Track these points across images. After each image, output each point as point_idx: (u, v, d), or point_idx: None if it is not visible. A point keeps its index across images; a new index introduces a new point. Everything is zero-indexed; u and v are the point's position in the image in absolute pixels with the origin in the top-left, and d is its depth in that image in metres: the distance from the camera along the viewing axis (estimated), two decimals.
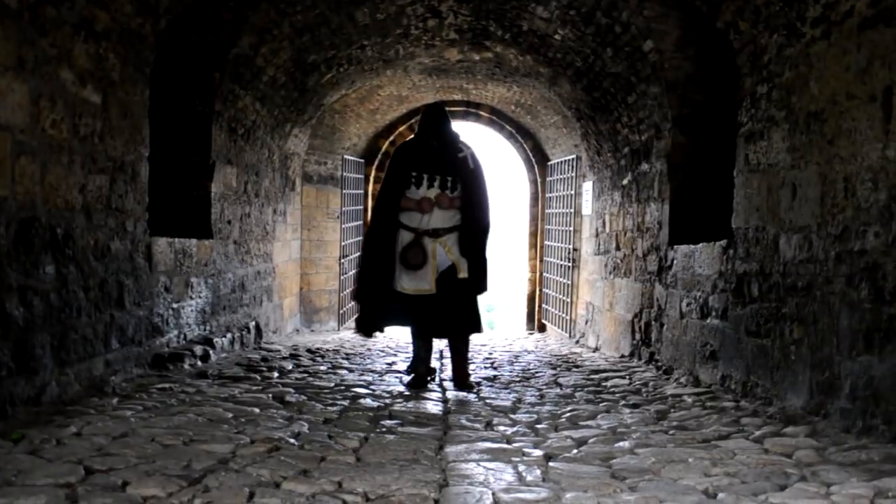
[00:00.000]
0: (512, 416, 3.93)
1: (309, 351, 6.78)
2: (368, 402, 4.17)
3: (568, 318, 9.53)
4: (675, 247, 5.55)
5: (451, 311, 4.75)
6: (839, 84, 3.41)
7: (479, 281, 4.82)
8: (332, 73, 7.73)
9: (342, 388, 4.65)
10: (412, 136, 5.26)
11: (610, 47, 5.97)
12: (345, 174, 10.42)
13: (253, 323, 6.80)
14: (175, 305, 5.15)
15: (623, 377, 5.55)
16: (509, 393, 4.81)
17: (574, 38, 6.30)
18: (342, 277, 10.48)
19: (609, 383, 5.28)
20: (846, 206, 3.33)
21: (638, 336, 6.41)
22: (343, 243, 10.37)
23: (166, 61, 5.34)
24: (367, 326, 4.90)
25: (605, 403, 4.36)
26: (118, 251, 4.20)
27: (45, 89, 3.39)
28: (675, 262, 5.55)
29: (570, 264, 9.53)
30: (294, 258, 9.10)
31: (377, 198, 5.01)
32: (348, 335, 9.05)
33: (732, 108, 4.87)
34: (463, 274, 4.73)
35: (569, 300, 9.51)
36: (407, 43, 7.42)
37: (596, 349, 7.81)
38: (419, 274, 4.70)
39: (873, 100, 3.14)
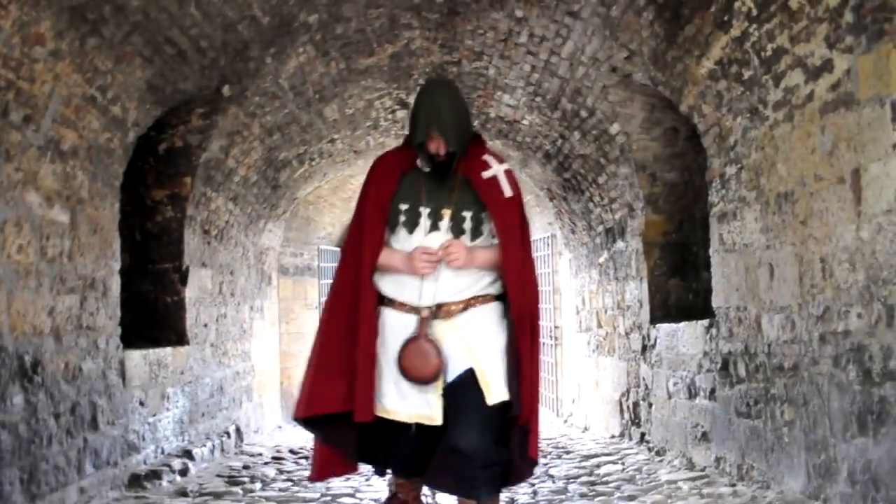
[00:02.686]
0: None
1: (292, 452, 6.58)
2: None
3: (554, 396, 9.41)
4: (658, 325, 5.52)
5: (467, 455, 2.70)
6: (806, 166, 3.45)
7: (517, 402, 2.79)
8: (303, 168, 7.76)
9: (328, 498, 4.48)
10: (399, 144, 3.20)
11: (577, 131, 6.06)
12: (321, 264, 10.37)
13: (233, 427, 6.62)
14: (151, 419, 4.99)
15: (615, 462, 5.42)
16: None
17: (541, 122, 6.40)
18: None
19: (602, 470, 5.15)
20: (825, 286, 3.32)
21: (627, 416, 6.31)
22: None
23: (136, 170, 5.32)
24: (323, 470, 3.04)
25: (600, 498, 4.23)
26: (90, 371, 4.07)
27: (10, 215, 3.33)
28: (658, 341, 5.51)
29: (552, 342, 9.46)
30: (273, 353, 8.95)
31: (342, 255, 3.07)
32: None
33: (704, 186, 4.92)
34: (497, 395, 2.75)
35: (553, 379, 9.41)
36: (377, 133, 7.50)
37: (585, 429, 7.67)
38: (423, 389, 2.79)
39: (842, 181, 3.17)
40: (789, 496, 3.63)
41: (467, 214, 2.86)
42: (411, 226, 2.85)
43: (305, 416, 2.92)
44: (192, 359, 5.81)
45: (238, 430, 6.69)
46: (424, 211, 2.84)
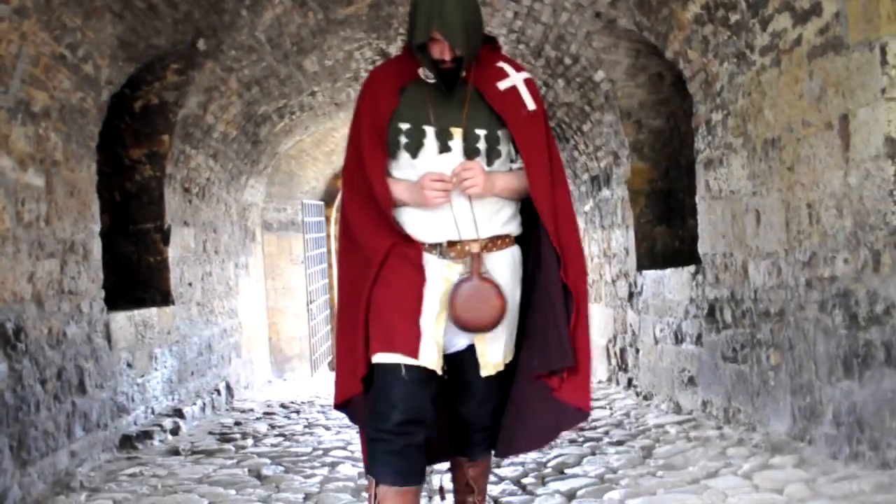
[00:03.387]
0: (496, 470, 3.84)
1: (283, 406, 6.61)
2: (349, 468, 4.04)
3: None
4: (644, 273, 5.53)
5: (467, 422, 2.47)
6: (794, 112, 3.42)
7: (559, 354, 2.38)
8: (284, 122, 7.63)
9: (320, 452, 4.51)
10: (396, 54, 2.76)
11: (561, 78, 5.97)
12: (305, 218, 10.30)
13: (223, 383, 6.63)
14: (139, 380, 4.98)
15: (604, 407, 5.49)
16: None
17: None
18: (311, 323, 10.31)
19: (590, 415, 5.21)
20: (812, 232, 3.32)
21: (614, 361, 6.37)
22: (310, 288, 10.21)
23: (112, 129, 5.20)
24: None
25: (589, 444, 4.28)
26: (75, 335, 4.04)
27: None
28: (644, 287, 5.52)
29: None
30: (260, 309, 8.93)
31: (344, 196, 2.49)
32: (322, 382, 8.89)
33: (690, 133, 4.88)
34: (493, 367, 2.40)
35: None
36: (358, 85, 7.36)
37: None
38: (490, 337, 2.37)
39: (830, 127, 3.14)
40: (775, 437, 3.69)
41: (481, 133, 2.31)
42: (415, 148, 2.30)
43: (339, 404, 2.44)
44: (179, 318, 5.78)
45: (228, 387, 6.71)
46: (430, 130, 2.30)
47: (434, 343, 2.30)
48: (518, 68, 2.43)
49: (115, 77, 4.47)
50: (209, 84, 5.74)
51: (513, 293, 2.37)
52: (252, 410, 6.36)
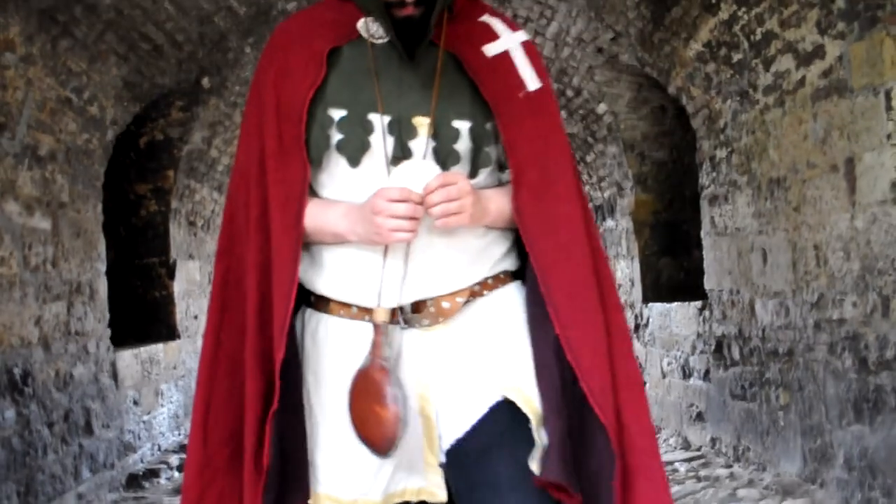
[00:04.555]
0: None
1: None
2: None
3: None
4: (650, 305, 5.52)
5: None
6: (799, 152, 3.42)
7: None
8: None
9: None
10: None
11: (563, 110, 6.00)
12: None
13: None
14: (146, 417, 4.97)
15: None
16: None
17: None
18: None
19: None
20: (819, 274, 3.31)
21: None
22: None
23: (118, 166, 5.23)
24: None
25: None
26: (81, 376, 4.04)
27: None
28: (650, 320, 5.51)
29: None
30: None
31: (224, 225, 1.47)
32: None
33: (693, 164, 4.89)
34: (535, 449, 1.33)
35: None
36: None
37: None
38: (394, 456, 1.35)
39: (835, 170, 3.15)
40: (786, 479, 3.66)
41: (462, 127, 1.38)
42: (354, 150, 1.36)
43: None
44: (185, 352, 5.77)
45: None
46: (378, 121, 1.35)
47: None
48: (512, 26, 1.49)
49: (121, 117, 4.50)
50: (213, 119, 5.77)
51: (524, 341, 1.38)
52: None
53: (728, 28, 3.78)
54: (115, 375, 4.50)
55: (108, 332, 4.46)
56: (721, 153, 4.25)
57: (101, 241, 4.47)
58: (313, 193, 1.40)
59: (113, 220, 5.31)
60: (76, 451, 3.92)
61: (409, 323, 1.36)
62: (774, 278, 3.73)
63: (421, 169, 1.34)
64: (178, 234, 5.81)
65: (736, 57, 3.83)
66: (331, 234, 1.37)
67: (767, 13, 3.47)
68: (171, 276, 5.69)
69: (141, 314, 5.58)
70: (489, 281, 1.42)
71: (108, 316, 4.46)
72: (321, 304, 1.39)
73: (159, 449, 5.14)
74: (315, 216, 1.36)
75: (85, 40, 3.80)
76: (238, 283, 1.39)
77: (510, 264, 1.44)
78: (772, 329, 3.79)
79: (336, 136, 1.35)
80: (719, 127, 4.24)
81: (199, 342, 5.63)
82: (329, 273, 1.39)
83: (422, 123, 1.36)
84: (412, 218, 1.29)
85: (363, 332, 1.35)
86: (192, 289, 6.08)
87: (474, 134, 1.38)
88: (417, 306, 1.36)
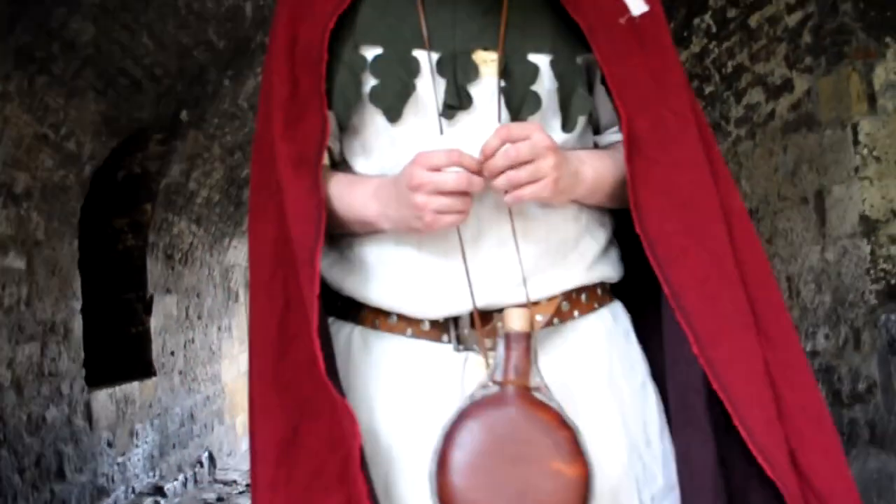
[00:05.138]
0: None
1: None
2: None
3: None
4: None
5: None
6: (770, 184, 3.47)
7: None
8: None
9: None
10: None
11: None
12: None
13: (206, 454, 6.52)
14: (120, 459, 4.89)
15: None
16: None
17: None
18: None
19: None
20: (792, 306, 3.34)
21: None
22: None
23: (94, 200, 5.20)
24: None
25: None
26: (54, 419, 3.97)
27: None
28: None
29: None
30: (243, 371, 8.84)
31: (252, 210, 1.07)
32: None
33: None
34: None
35: None
36: None
37: None
38: None
39: (805, 202, 3.19)
40: None
41: (542, 61, 1.01)
42: (394, 102, 1.00)
43: None
44: (160, 389, 5.70)
45: (211, 457, 6.60)
46: (427, 59, 1.01)
47: None
48: None
49: (98, 152, 4.49)
50: (192, 152, 5.76)
51: (639, 406, 1.02)
52: (235, 482, 6.25)
53: (700, 61, 3.85)
54: (88, 416, 4.43)
55: (83, 371, 4.40)
56: None
57: (77, 279, 4.43)
58: (345, 167, 1.03)
59: (89, 255, 5.27)
60: (47, 498, 3.84)
61: (465, 345, 0.97)
62: None
63: (482, 123, 0.96)
64: (155, 268, 5.76)
65: (708, 89, 3.89)
66: (359, 223, 1.00)
67: (737, 47, 3.54)
68: (148, 311, 5.63)
69: (117, 351, 5.51)
70: (583, 296, 1.00)
71: (82, 355, 4.41)
72: (366, 316, 1.00)
73: (133, 492, 5.06)
74: (338, 198, 0.99)
75: (62, 76, 3.80)
76: (262, 300, 1.02)
77: (612, 270, 1.03)
78: None
79: (369, 83, 0.99)
80: None
81: (176, 379, 5.59)
82: (377, 274, 1.00)
83: (485, 60, 0.99)
84: (463, 193, 0.91)
85: (438, 355, 0.97)
86: (168, 324, 6.02)
87: (560, 70, 0.99)
88: (483, 319, 0.96)
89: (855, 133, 2.87)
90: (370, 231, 1.01)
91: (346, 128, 1.02)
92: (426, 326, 0.99)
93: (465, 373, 0.97)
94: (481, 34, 0.99)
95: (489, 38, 0.99)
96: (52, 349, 4.03)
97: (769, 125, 3.44)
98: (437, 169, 0.91)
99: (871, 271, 2.82)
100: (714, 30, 3.65)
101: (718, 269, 0.96)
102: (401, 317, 1.00)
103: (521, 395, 0.89)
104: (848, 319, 2.94)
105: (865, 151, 2.86)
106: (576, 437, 0.87)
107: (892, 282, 2.80)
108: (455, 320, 0.98)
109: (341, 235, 1.04)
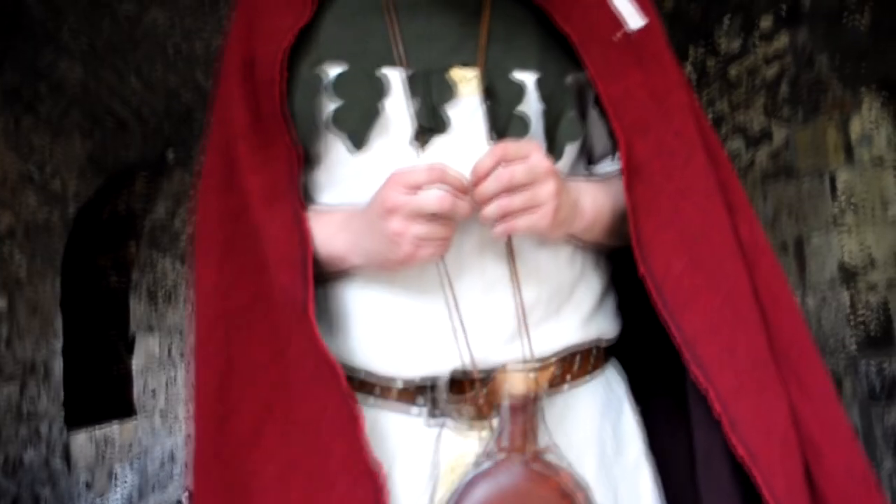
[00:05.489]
0: None
1: None
2: None
3: None
4: None
5: None
6: None
7: None
8: None
9: None
10: None
11: None
12: None
13: (186, 494, 6.42)
14: (98, 501, 4.80)
15: None
16: None
17: None
18: None
19: None
20: None
21: None
22: None
23: (78, 238, 5.18)
24: None
25: None
26: (32, 461, 3.91)
27: None
28: None
29: None
30: None
31: (197, 253, 0.91)
32: None
33: None
34: None
35: None
36: None
37: None
38: None
39: (785, 249, 3.23)
40: None
41: (527, 79, 0.88)
42: (358, 124, 0.86)
43: None
44: (141, 430, 5.63)
45: (191, 498, 6.49)
46: (398, 78, 0.87)
47: None
48: None
49: (83, 191, 4.49)
50: (178, 190, 5.77)
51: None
52: None
53: None
54: (67, 458, 4.37)
55: (62, 412, 4.34)
56: None
57: (58, 318, 4.39)
58: (308, 203, 0.89)
59: (72, 294, 5.24)
60: None
61: (444, 414, 0.82)
62: None
63: (466, 145, 0.82)
64: (138, 307, 5.73)
65: None
66: (325, 261, 0.85)
67: (717, 96, 3.61)
68: (130, 350, 5.58)
69: (97, 390, 5.45)
70: (576, 360, 0.86)
71: (62, 396, 4.36)
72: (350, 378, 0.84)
73: None
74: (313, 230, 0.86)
75: (49, 116, 3.82)
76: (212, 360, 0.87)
77: (609, 325, 0.90)
78: None
79: (331, 104, 0.85)
80: None
81: (157, 420, 5.52)
82: (341, 323, 0.86)
83: (464, 77, 0.86)
84: (447, 219, 0.78)
85: (410, 434, 0.83)
86: (150, 364, 5.97)
87: (547, 90, 0.86)
88: (459, 383, 0.82)
89: (833, 183, 2.93)
90: (338, 270, 0.86)
91: (307, 157, 0.88)
92: (397, 388, 0.83)
93: (437, 453, 0.81)
94: (459, 48, 0.86)
95: (468, 52, 0.86)
96: (31, 389, 3.98)
97: (749, 173, 3.49)
98: (417, 188, 0.77)
99: (851, 319, 2.85)
100: (695, 79, 3.72)
101: (734, 312, 0.83)
102: (366, 378, 0.84)
103: (530, 461, 0.79)
104: (829, 366, 2.96)
105: (843, 200, 2.91)
106: (588, 499, 0.79)
107: (872, 330, 2.84)
108: (432, 385, 0.82)
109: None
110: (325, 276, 0.87)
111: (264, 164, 0.86)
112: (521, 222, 0.78)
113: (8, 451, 3.70)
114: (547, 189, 0.78)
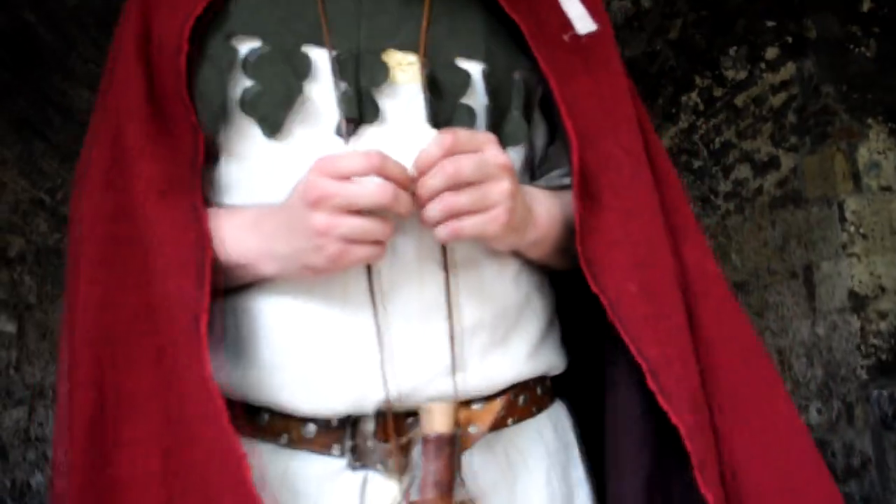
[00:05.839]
0: None
1: None
2: None
3: None
4: None
5: None
6: (759, 258, 3.53)
7: None
8: None
9: None
10: None
11: None
12: None
13: None
14: None
15: None
16: None
17: None
18: None
19: None
20: (785, 379, 3.36)
21: None
22: None
23: None
24: None
25: None
26: (39, 485, 3.89)
27: None
28: None
29: None
30: None
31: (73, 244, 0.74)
32: None
33: None
34: None
35: None
36: None
37: None
38: None
39: (794, 277, 3.24)
40: None
41: (473, 70, 0.78)
42: (275, 108, 0.75)
43: None
44: None
45: None
46: (324, 59, 0.76)
47: None
48: None
49: None
50: None
51: None
52: None
53: (688, 136, 3.94)
54: None
55: None
56: None
57: None
58: (214, 201, 0.77)
59: None
60: None
61: (366, 460, 0.70)
62: None
63: (403, 138, 0.69)
64: None
65: (696, 164, 3.98)
66: (232, 268, 0.72)
67: (724, 124, 3.64)
68: None
69: None
70: (521, 397, 0.75)
71: None
72: (249, 426, 0.71)
73: None
74: (219, 233, 0.72)
75: (59, 142, 3.85)
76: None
77: (557, 358, 0.79)
78: None
79: (242, 84, 0.75)
80: None
81: None
82: (244, 350, 0.71)
83: (401, 62, 0.76)
84: (385, 218, 0.66)
85: (330, 481, 0.70)
86: None
87: (494, 84, 0.76)
88: (386, 424, 0.69)
89: (841, 211, 2.94)
90: (246, 281, 0.72)
91: (215, 149, 0.75)
92: (310, 431, 0.69)
93: (364, 502, 0.68)
94: (396, 30, 0.75)
95: (406, 35, 0.75)
96: (39, 413, 3.97)
97: (757, 200, 3.51)
98: (349, 178, 0.64)
99: (862, 347, 2.86)
100: (701, 107, 3.75)
101: (679, 348, 0.73)
102: (275, 415, 0.70)
103: None
104: (840, 394, 2.96)
105: (852, 229, 2.93)
106: None
107: (883, 357, 2.84)
108: (354, 423, 0.69)
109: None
110: (230, 287, 0.71)
111: (159, 153, 0.72)
112: (469, 225, 0.66)
113: (16, 475, 3.69)
114: (500, 188, 0.67)
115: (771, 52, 3.25)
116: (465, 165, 0.65)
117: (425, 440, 0.65)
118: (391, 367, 0.67)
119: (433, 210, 0.66)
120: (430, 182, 0.65)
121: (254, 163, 0.74)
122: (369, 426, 0.68)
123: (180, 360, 0.66)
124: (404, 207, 0.65)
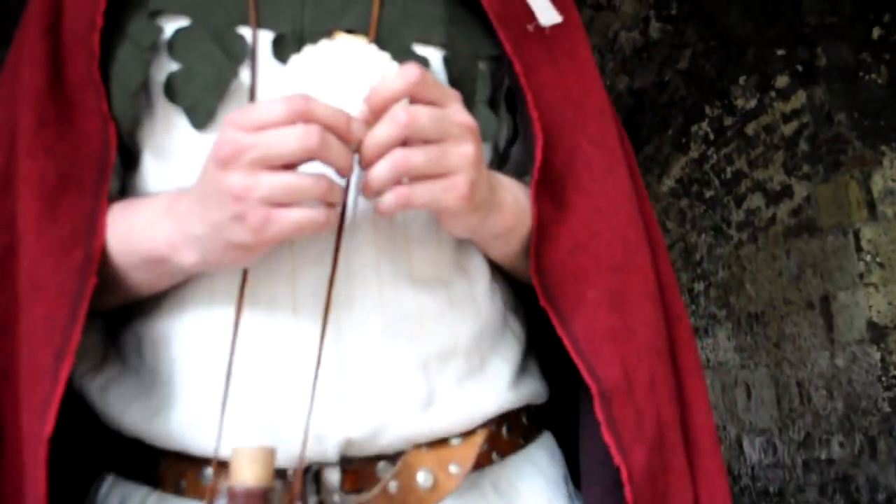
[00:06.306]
0: None
1: None
2: None
3: None
4: None
5: None
6: (775, 288, 3.47)
7: None
8: None
9: None
10: None
11: None
12: None
13: None
14: None
15: None
16: None
17: None
18: None
19: None
20: (804, 412, 3.28)
21: None
22: None
23: None
24: None
25: None
26: None
27: None
28: None
29: None
30: None
31: None
32: None
33: None
34: None
35: None
36: None
37: None
38: None
39: (811, 307, 3.18)
40: None
41: (432, 56, 0.67)
42: (203, 95, 0.62)
43: None
44: None
45: None
46: (259, 40, 0.64)
47: None
48: None
49: None
50: None
51: None
52: None
53: (699, 166, 3.91)
54: None
55: None
56: (699, 286, 4.30)
57: None
58: (131, 193, 0.67)
59: None
60: None
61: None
62: (760, 414, 3.69)
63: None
64: None
65: (708, 193, 3.95)
66: (145, 266, 0.60)
67: (736, 153, 3.61)
68: None
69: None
70: (504, 429, 0.65)
71: None
72: (166, 472, 0.60)
73: None
74: (111, 233, 0.60)
75: None
76: None
77: (539, 385, 0.70)
78: (761, 468, 3.71)
79: (166, 67, 0.64)
80: (696, 260, 4.30)
81: None
82: (174, 386, 0.60)
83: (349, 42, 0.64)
84: (322, 175, 0.55)
85: None
86: None
87: (456, 72, 0.67)
88: (355, 471, 0.59)
89: (857, 239, 2.89)
90: (164, 284, 0.60)
91: (130, 143, 0.65)
92: (207, 477, 0.58)
93: None
94: (343, 10, 0.65)
95: (355, 16, 0.65)
96: None
97: (770, 230, 3.46)
98: (265, 125, 0.52)
99: (883, 378, 2.78)
100: (712, 137, 3.73)
101: (649, 370, 0.63)
102: (217, 466, 0.56)
103: None
104: (862, 427, 2.88)
105: (868, 258, 2.87)
106: None
107: None
108: (316, 473, 0.57)
109: (128, 315, 0.63)
110: (144, 304, 0.60)
111: (57, 149, 0.60)
112: (421, 192, 0.53)
113: None
114: (462, 151, 0.54)
115: (781, 81, 3.22)
116: (422, 115, 0.53)
117: (231, 495, 0.48)
118: (345, 403, 0.56)
119: (380, 169, 0.52)
120: (379, 131, 0.52)
121: (180, 159, 0.62)
122: (335, 475, 0.56)
123: (20, 402, 0.54)
124: (339, 157, 0.52)
